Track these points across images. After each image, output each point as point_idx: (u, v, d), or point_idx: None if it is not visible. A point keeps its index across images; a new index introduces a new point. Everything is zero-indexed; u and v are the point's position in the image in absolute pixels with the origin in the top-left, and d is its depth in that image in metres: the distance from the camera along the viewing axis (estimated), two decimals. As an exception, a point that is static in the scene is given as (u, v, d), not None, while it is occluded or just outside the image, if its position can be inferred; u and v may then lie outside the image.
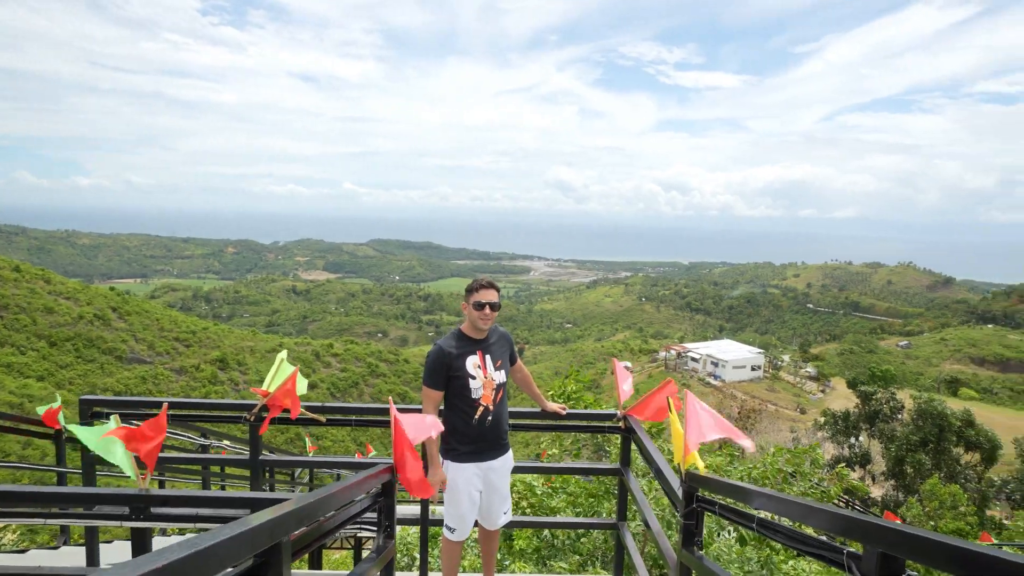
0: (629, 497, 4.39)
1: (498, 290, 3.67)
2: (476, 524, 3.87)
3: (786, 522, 2.28)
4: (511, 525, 4.22)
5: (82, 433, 2.77)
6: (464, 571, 5.16)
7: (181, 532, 7.95)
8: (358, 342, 71.60)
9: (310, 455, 11.13)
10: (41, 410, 5.43)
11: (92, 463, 4.24)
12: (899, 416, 36.82)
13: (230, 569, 1.47)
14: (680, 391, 3.69)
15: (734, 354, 76.63)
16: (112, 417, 2.71)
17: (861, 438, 39.22)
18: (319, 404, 4.25)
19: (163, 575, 1.05)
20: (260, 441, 4.19)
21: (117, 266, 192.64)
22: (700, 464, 2.88)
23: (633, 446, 4.38)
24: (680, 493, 2.89)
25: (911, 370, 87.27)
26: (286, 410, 3.96)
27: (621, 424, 4.33)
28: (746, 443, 2.97)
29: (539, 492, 6.70)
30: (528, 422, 4.39)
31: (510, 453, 3.86)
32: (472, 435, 3.60)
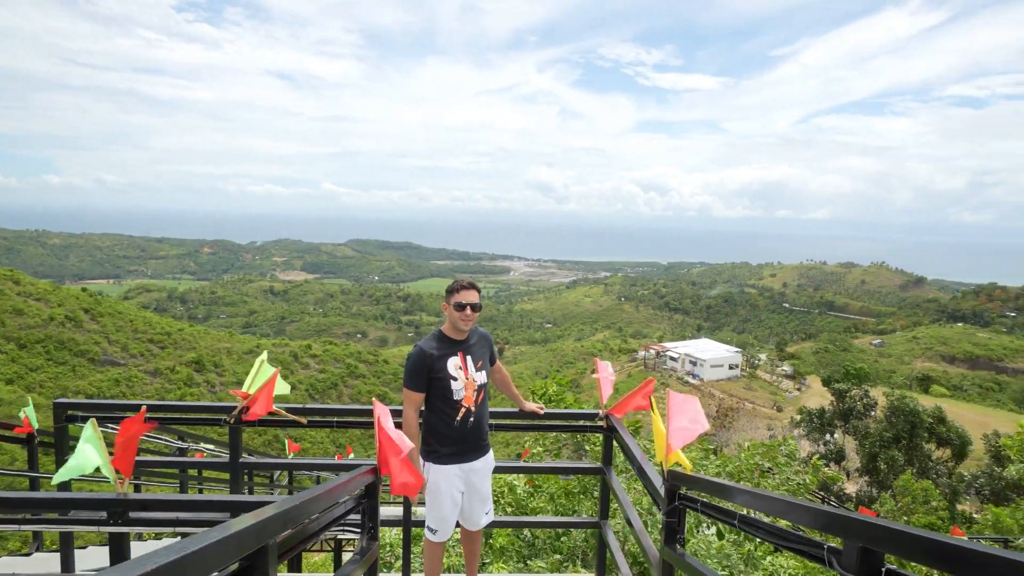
0: (611, 496, 4.41)
1: (479, 291, 3.66)
2: (458, 525, 3.86)
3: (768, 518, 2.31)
4: (493, 525, 4.22)
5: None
6: (446, 571, 5.15)
7: (157, 537, 7.82)
8: (337, 343, 70.99)
9: (290, 457, 11.01)
10: (23, 415, 5.32)
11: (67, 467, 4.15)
12: (872, 413, 37.55)
13: (215, 574, 1.45)
14: (660, 390, 3.73)
15: (712, 353, 77.45)
16: (89, 421, 2.66)
17: (836, 435, 39.90)
18: (300, 406, 4.21)
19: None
20: (240, 443, 4.14)
21: (89, 266, 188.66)
22: (685, 462, 2.91)
23: (615, 445, 4.41)
24: (663, 491, 2.92)
25: (884, 368, 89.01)
26: (271, 413, 3.91)
27: (603, 423, 4.36)
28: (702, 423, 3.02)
29: (520, 492, 6.71)
30: (509, 422, 4.39)
31: (491, 454, 3.86)
32: (454, 437, 3.59)
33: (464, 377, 3.57)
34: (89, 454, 2.51)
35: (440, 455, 3.60)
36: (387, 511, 8.04)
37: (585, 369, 73.98)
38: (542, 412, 4.29)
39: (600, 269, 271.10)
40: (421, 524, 3.85)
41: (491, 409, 3.93)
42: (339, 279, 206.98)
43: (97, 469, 2.57)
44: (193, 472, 9.33)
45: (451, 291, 3.59)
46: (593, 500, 6.57)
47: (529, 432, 8.88)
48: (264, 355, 4.09)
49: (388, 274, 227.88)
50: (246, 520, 1.47)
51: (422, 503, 3.74)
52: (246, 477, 9.24)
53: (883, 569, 1.53)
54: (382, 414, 2.93)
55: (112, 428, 4.35)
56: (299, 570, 8.09)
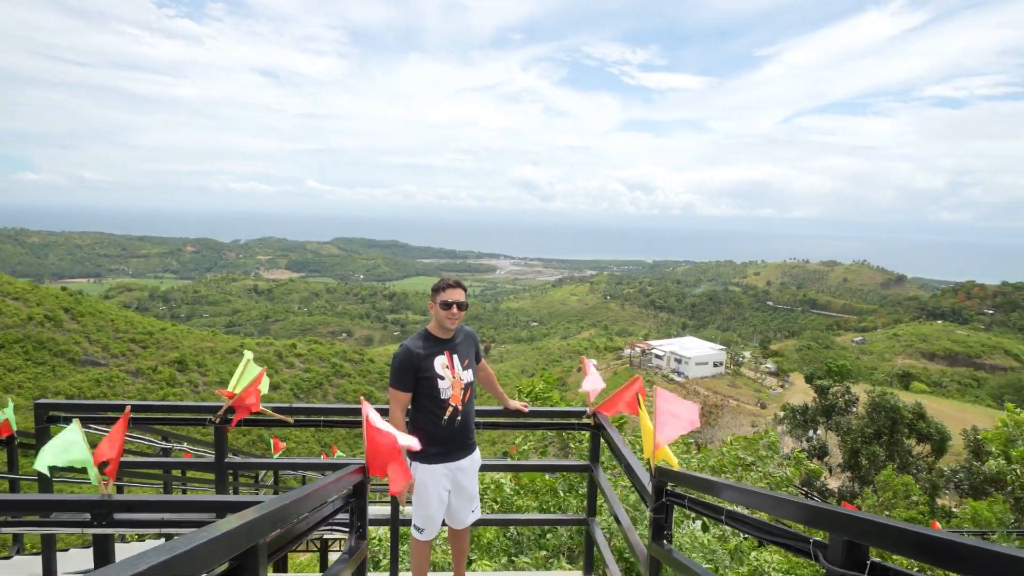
0: (598, 493, 4.44)
1: (465, 289, 3.64)
2: (444, 523, 3.86)
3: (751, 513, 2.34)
4: (480, 523, 4.22)
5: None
6: (434, 570, 5.15)
7: (141, 539, 7.74)
8: (322, 342, 70.51)
9: (276, 457, 10.93)
10: (2, 417, 5.22)
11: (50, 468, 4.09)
12: (854, 409, 38.03)
13: (204, 574, 1.44)
14: (647, 388, 3.75)
15: (697, 351, 77.96)
16: (73, 421, 2.63)
17: (819, 431, 40.36)
18: (286, 405, 4.18)
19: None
20: (226, 443, 4.10)
21: (69, 265, 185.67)
22: (673, 459, 2.93)
23: (602, 442, 4.43)
24: (650, 488, 2.94)
25: (865, 365, 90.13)
26: (256, 413, 3.89)
27: (591, 421, 4.38)
28: (695, 409, 3.06)
29: (508, 490, 6.73)
30: (496, 420, 4.39)
31: (477, 452, 3.86)
32: (441, 436, 3.58)
33: (451, 376, 3.56)
34: (75, 453, 2.48)
35: (427, 455, 3.58)
36: (374, 510, 8.00)
37: (571, 367, 74.19)
38: (526, 410, 4.30)
39: (586, 268, 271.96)
40: (408, 523, 3.85)
41: (477, 408, 3.93)
42: (324, 277, 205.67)
43: (81, 469, 2.54)
44: (177, 473, 9.23)
45: (437, 290, 3.58)
46: (579, 497, 6.59)
47: (516, 430, 8.90)
48: (250, 355, 4.06)
49: (374, 272, 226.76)
50: (236, 520, 1.46)
51: (410, 502, 3.74)
52: (231, 477, 9.18)
53: (868, 562, 1.56)
54: (369, 413, 2.92)
55: (95, 429, 4.30)
56: (285, 570, 8.05)
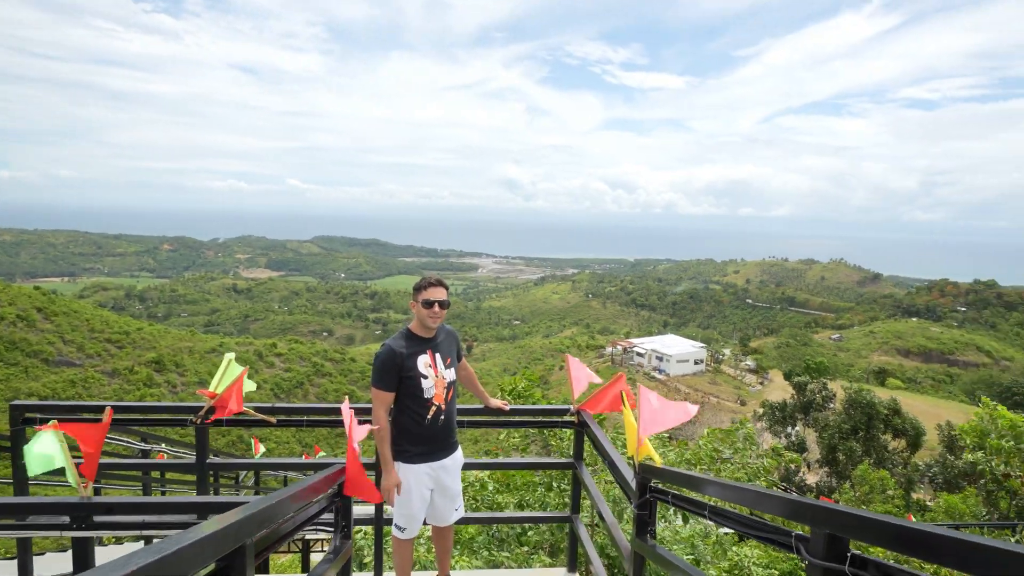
0: (582, 490, 4.46)
1: (447, 288, 3.64)
2: (426, 522, 3.86)
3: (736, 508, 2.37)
4: (464, 521, 4.22)
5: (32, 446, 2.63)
6: (419, 568, 5.15)
7: (119, 541, 7.63)
8: (303, 341, 69.96)
9: (257, 457, 10.83)
10: None
11: (24, 471, 4.02)
12: (831, 406, 38.61)
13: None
14: (630, 385, 3.79)
15: (678, 349, 78.63)
16: (50, 423, 2.58)
17: (797, 427, 40.91)
18: (269, 405, 4.15)
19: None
20: (207, 444, 4.06)
21: (42, 264, 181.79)
22: (656, 456, 2.96)
23: (585, 440, 4.46)
24: (634, 484, 2.97)
25: (843, 362, 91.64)
26: (238, 413, 3.85)
27: (575, 419, 4.40)
28: (692, 408, 3.09)
29: (491, 489, 6.74)
30: (478, 419, 4.40)
31: (459, 451, 3.87)
32: (425, 436, 3.57)
33: (434, 375, 3.55)
34: (53, 456, 2.45)
35: (411, 454, 3.58)
36: (358, 510, 7.97)
37: (553, 366, 74.37)
38: (507, 408, 4.32)
39: (568, 266, 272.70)
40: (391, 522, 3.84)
41: (458, 406, 3.93)
42: (304, 276, 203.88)
43: (59, 471, 2.50)
44: (155, 474, 9.10)
45: (419, 288, 3.57)
46: (558, 493, 6.63)
47: (500, 428, 8.91)
48: (231, 354, 4.02)
49: (355, 271, 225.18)
50: (223, 520, 1.45)
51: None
52: (212, 478, 9.08)
53: (848, 554, 1.59)
54: (348, 417, 2.92)
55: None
56: (267, 572, 7.98)
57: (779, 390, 62.48)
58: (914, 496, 23.90)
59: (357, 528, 6.14)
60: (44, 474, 2.71)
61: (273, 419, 4.12)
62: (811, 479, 34.28)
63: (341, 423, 3.87)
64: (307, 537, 8.59)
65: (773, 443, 10.08)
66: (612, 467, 3.39)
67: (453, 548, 5.73)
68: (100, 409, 3.60)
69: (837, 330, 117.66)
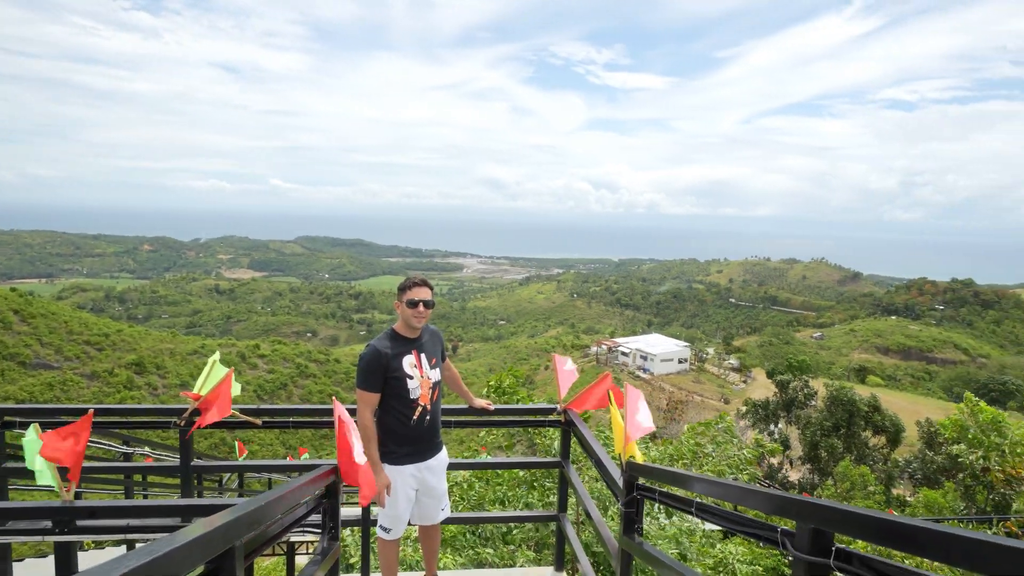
0: (568, 488, 4.48)
1: (431, 288, 3.64)
2: (412, 523, 3.86)
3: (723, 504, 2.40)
4: (450, 521, 4.22)
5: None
6: (406, 569, 5.13)
7: (100, 546, 7.52)
8: (286, 342, 69.40)
9: (242, 459, 10.74)
10: None
11: (3, 476, 3.96)
12: (813, 403, 39.01)
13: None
14: (616, 384, 3.81)
15: (662, 348, 79.04)
16: (31, 426, 2.55)
17: (780, 425, 41.32)
18: (254, 407, 4.11)
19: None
20: (191, 447, 4.02)
21: (18, 265, 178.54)
22: (638, 454, 2.99)
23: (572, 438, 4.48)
24: (621, 482, 2.99)
25: (824, 360, 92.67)
26: (229, 417, 3.81)
27: (561, 418, 4.42)
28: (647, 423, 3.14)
29: (478, 488, 6.74)
30: (463, 419, 4.39)
31: (444, 451, 3.87)
32: (410, 436, 3.57)
33: (420, 375, 3.55)
34: (34, 459, 2.41)
35: (396, 455, 3.57)
36: (345, 511, 7.92)
37: (539, 365, 74.49)
38: (491, 408, 4.32)
39: (553, 266, 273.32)
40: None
41: (443, 406, 3.93)
42: (288, 277, 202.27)
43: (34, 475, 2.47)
44: (137, 478, 8.99)
45: (403, 288, 3.56)
46: (542, 491, 6.64)
47: (486, 428, 8.92)
48: (216, 355, 3.98)
49: (339, 272, 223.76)
50: (212, 522, 1.44)
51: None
52: (195, 481, 8.97)
53: (833, 548, 1.62)
54: (342, 415, 2.90)
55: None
56: (251, 574, 7.91)
57: (762, 388, 63.04)
58: (894, 491, 24.27)
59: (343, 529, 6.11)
60: (21, 477, 2.67)
61: (259, 421, 4.08)
62: (794, 476, 34.63)
63: (328, 424, 3.85)
64: (292, 539, 8.52)
65: (754, 435, 10.19)
66: (599, 465, 3.41)
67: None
68: (81, 412, 3.55)
69: (819, 328, 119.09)
